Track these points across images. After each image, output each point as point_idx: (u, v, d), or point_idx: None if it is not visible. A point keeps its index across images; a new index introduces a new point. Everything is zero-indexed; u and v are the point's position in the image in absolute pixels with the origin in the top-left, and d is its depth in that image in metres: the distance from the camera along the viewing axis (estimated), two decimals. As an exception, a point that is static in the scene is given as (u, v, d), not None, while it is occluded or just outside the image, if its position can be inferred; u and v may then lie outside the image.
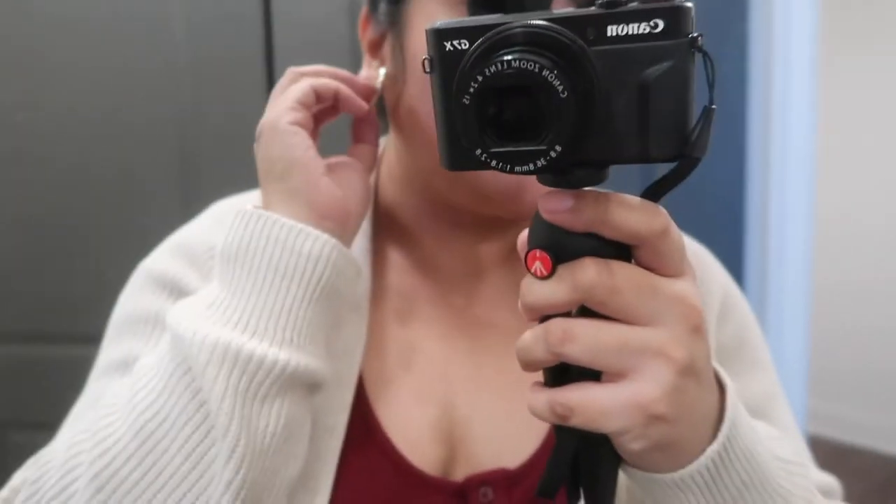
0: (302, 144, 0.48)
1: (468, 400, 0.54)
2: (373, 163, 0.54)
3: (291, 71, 0.51)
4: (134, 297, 0.57)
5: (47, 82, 1.26)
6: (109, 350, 0.55)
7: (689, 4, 0.30)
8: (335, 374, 0.51)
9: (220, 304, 0.46)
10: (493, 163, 0.30)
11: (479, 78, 0.29)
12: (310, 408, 0.48)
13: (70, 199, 1.28)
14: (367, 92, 0.54)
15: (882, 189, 3.13)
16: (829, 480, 0.54)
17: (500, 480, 0.51)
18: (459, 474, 0.52)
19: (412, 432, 0.52)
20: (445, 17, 0.46)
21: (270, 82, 1.22)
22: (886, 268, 3.13)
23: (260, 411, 0.43)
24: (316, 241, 0.46)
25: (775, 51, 1.44)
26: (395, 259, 0.59)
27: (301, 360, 0.45)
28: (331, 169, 0.50)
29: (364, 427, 0.52)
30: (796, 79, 1.45)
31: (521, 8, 0.45)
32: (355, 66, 0.56)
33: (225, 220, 0.50)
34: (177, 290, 0.55)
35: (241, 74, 1.22)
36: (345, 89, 0.51)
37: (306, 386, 0.46)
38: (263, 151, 0.49)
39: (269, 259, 0.46)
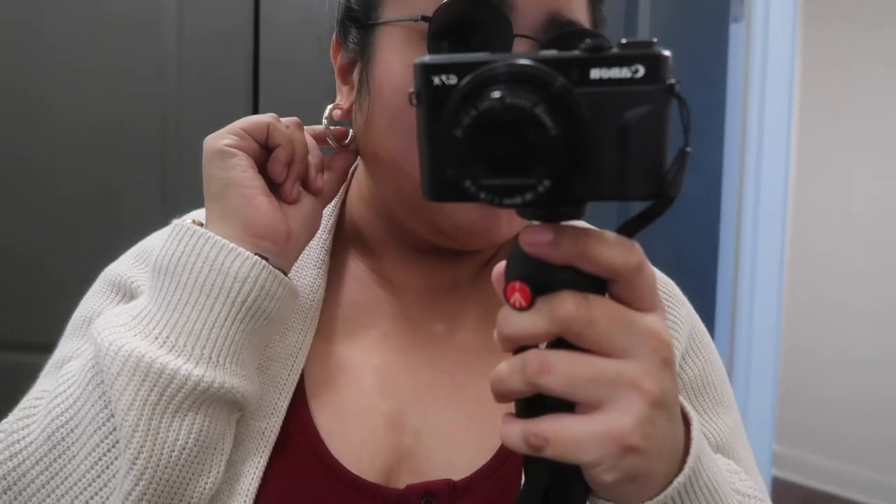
0: (239, 165, 0.49)
1: (419, 412, 0.54)
2: (331, 193, 0.56)
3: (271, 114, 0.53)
4: (89, 299, 0.59)
5: (30, 86, 1.26)
6: (59, 349, 0.57)
7: (668, 53, 0.31)
8: (272, 378, 0.52)
9: (145, 317, 0.47)
10: (483, 195, 0.31)
11: (473, 112, 0.30)
12: (230, 424, 0.48)
13: (49, 206, 1.28)
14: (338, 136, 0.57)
15: (851, 244, 3.19)
16: None
17: (444, 491, 0.50)
18: (402, 484, 0.51)
19: (353, 440, 0.52)
20: (410, 50, 0.49)
21: (256, 95, 1.24)
22: (859, 306, 3.18)
23: (170, 425, 0.44)
24: (245, 262, 0.47)
25: (750, 117, 1.50)
26: (357, 273, 0.60)
27: (217, 378, 0.45)
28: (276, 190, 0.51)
29: (300, 432, 0.52)
30: (770, 145, 1.51)
31: (485, 43, 0.47)
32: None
33: None
34: (129, 295, 0.56)
35: (226, 85, 1.25)
36: (283, 151, 0.51)
37: (224, 403, 0.47)
38: (203, 171, 0.50)
39: (197, 276, 0.46)
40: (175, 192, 1.25)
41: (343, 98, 0.57)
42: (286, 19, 1.23)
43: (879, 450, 3.13)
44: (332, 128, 0.56)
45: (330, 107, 0.56)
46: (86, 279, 0.61)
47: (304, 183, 0.53)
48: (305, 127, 0.55)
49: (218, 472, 0.47)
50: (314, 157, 0.54)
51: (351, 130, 0.57)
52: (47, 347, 0.58)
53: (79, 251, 1.25)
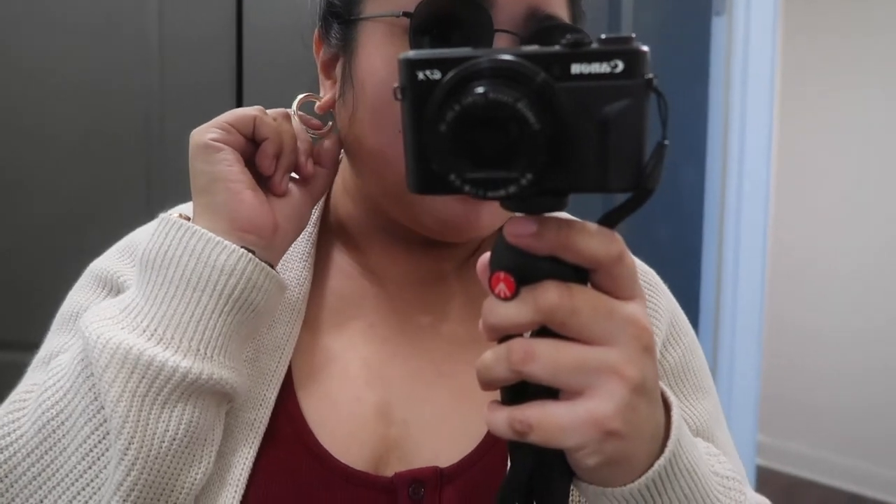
0: (225, 160, 0.49)
1: (406, 402, 0.55)
2: (322, 187, 0.56)
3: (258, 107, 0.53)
4: (75, 294, 0.59)
5: (14, 88, 1.26)
6: (46, 344, 0.57)
7: (646, 48, 0.32)
8: (260, 370, 0.53)
9: (133, 309, 0.47)
10: (467, 188, 0.32)
11: (457, 107, 0.30)
12: (219, 415, 0.49)
13: (35, 207, 1.27)
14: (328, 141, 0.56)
15: (836, 230, 3.24)
16: (763, 500, 0.57)
17: (432, 478, 0.51)
18: (390, 472, 0.52)
19: (341, 430, 0.53)
20: (392, 45, 0.49)
21: (239, 94, 1.24)
22: (841, 306, 3.23)
23: (159, 416, 0.45)
24: (231, 255, 0.47)
25: (733, 109, 1.51)
26: (342, 266, 0.60)
27: (205, 369, 0.46)
28: (265, 183, 0.52)
29: (288, 423, 0.53)
30: (752, 137, 1.53)
31: (465, 38, 0.48)
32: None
33: None
34: (115, 289, 0.57)
35: (210, 86, 1.25)
36: (271, 144, 0.51)
37: (213, 394, 0.47)
38: (190, 165, 0.50)
39: (184, 269, 0.47)
40: (160, 194, 1.25)
41: (326, 92, 0.57)
42: (269, 19, 1.23)
43: (859, 440, 3.19)
44: (307, 116, 0.56)
45: (300, 97, 0.57)
46: (71, 279, 0.61)
47: (295, 171, 0.54)
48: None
49: (208, 463, 0.48)
50: (303, 142, 0.54)
51: (329, 122, 0.57)
52: (33, 346, 0.58)
53: (63, 252, 1.24)
